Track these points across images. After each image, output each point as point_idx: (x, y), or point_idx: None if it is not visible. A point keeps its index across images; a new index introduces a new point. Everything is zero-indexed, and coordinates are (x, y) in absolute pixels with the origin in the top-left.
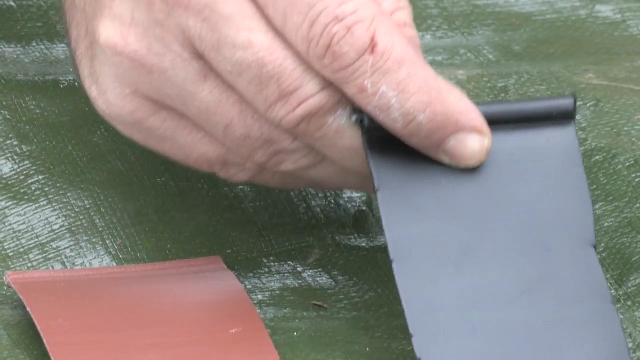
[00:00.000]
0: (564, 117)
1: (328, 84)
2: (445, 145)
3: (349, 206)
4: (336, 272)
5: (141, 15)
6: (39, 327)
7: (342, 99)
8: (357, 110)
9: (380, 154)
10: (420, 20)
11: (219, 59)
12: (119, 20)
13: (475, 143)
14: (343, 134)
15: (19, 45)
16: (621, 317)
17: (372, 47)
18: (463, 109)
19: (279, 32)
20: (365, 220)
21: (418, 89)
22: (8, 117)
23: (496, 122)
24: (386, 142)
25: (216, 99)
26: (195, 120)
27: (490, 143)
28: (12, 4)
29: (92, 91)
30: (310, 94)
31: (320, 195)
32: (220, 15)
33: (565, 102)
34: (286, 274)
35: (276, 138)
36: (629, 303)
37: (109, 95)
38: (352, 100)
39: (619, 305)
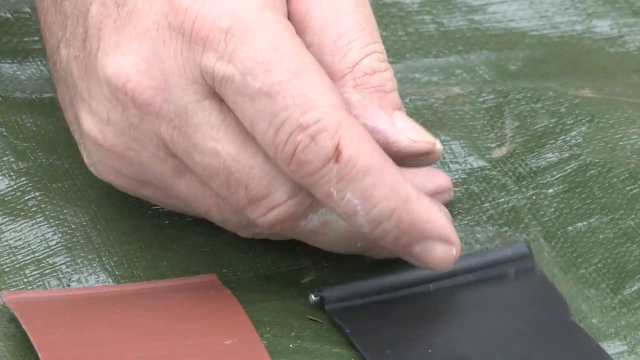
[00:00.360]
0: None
1: (298, 190)
2: (412, 249)
3: None
4: None
5: (116, 117)
6: (34, 343)
7: (312, 204)
8: (315, 291)
9: (356, 326)
10: (417, 37)
11: (190, 162)
12: (97, 117)
13: (441, 252)
14: (318, 234)
15: (15, 61)
16: (618, 323)
17: (337, 155)
18: (430, 217)
19: (249, 136)
20: None
21: (384, 197)
22: (5, 134)
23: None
24: (353, 313)
25: (193, 192)
26: (179, 201)
27: (458, 252)
28: (9, 16)
29: (84, 156)
30: (279, 202)
31: None
32: (188, 125)
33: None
34: (282, 293)
35: (255, 226)
36: (624, 310)
37: (98, 168)
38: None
39: (614, 313)
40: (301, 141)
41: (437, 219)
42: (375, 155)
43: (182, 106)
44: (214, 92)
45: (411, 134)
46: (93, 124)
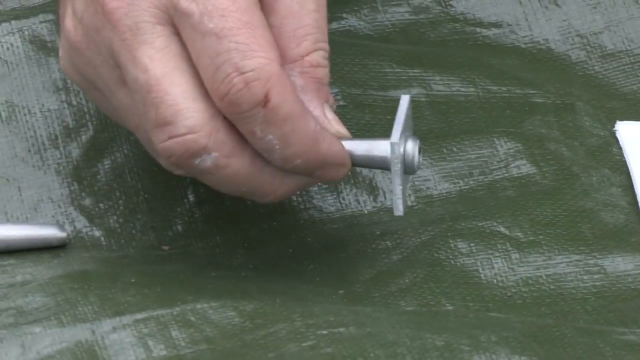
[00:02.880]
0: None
1: (199, 128)
2: (314, 173)
3: None
4: None
5: (88, 17)
6: None
7: (207, 146)
8: None
9: None
10: None
11: (126, 73)
12: (75, 15)
13: (335, 172)
14: (208, 174)
15: None
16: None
17: (265, 102)
18: (332, 152)
19: (180, 69)
20: None
21: (298, 140)
22: None
23: None
24: None
25: (128, 104)
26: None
27: (348, 169)
28: None
29: (59, 50)
30: (179, 132)
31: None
32: (136, 40)
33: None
34: None
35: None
36: None
37: (64, 62)
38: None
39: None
40: (236, 84)
41: (337, 151)
42: (296, 106)
43: (138, 22)
44: (171, 21)
45: (336, 125)
46: (70, 20)
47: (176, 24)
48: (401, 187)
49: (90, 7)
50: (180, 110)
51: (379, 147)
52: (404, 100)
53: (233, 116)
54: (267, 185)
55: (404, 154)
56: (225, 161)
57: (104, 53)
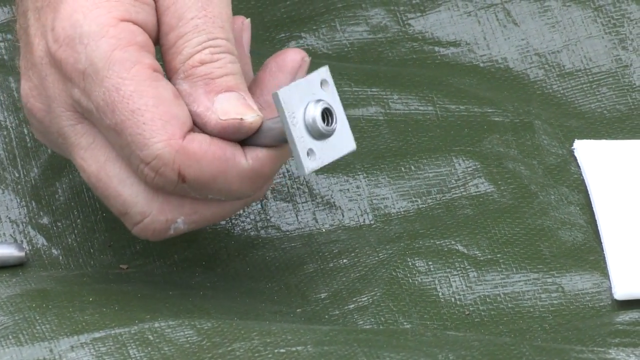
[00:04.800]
0: None
1: (150, 210)
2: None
3: None
4: None
5: (33, 122)
6: None
7: (168, 220)
8: None
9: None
10: None
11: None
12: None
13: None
14: (193, 227)
15: None
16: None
17: (182, 179)
18: (276, 169)
19: (111, 160)
20: None
21: (237, 186)
22: None
23: None
24: None
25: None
26: None
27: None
28: None
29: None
30: (137, 220)
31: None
32: (67, 144)
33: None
34: None
35: None
36: None
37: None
38: None
39: None
40: (147, 174)
41: (277, 165)
42: (215, 164)
43: (60, 128)
44: (87, 117)
45: (221, 114)
46: (29, 124)
47: (89, 119)
48: (298, 145)
49: (30, 116)
50: (125, 200)
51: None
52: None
53: (168, 192)
54: (248, 200)
55: (304, 115)
56: (195, 216)
57: (60, 151)
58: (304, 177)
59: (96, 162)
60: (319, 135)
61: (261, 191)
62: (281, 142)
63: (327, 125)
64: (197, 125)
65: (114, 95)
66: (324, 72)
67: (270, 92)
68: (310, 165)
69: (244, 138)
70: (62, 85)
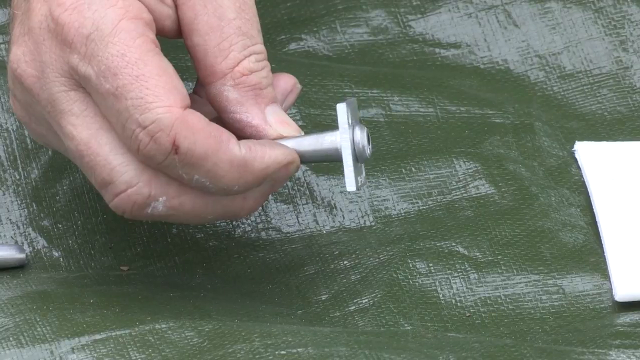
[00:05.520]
0: None
1: (137, 181)
2: (262, 183)
3: None
4: None
5: (18, 94)
6: None
7: (151, 195)
8: None
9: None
10: None
11: (63, 142)
12: (11, 91)
13: (285, 173)
14: (169, 216)
15: None
16: None
17: (175, 149)
18: (271, 162)
19: (103, 128)
20: None
21: (225, 172)
22: None
23: None
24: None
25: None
26: None
27: (297, 166)
28: None
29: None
30: (120, 190)
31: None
32: (56, 110)
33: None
34: None
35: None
36: None
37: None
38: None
39: None
40: (142, 139)
41: (277, 156)
42: (210, 142)
43: (52, 94)
44: (80, 84)
45: (279, 128)
46: (11, 96)
47: (84, 87)
48: (353, 170)
49: (17, 85)
50: (114, 168)
51: (327, 138)
52: (348, 101)
53: (154, 166)
54: (231, 207)
55: (352, 140)
56: (176, 201)
57: (42, 122)
58: (343, 192)
59: (87, 130)
60: (360, 158)
61: (246, 203)
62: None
63: (370, 150)
64: (247, 136)
65: (118, 60)
66: (353, 101)
67: None
68: (359, 183)
69: None
70: (59, 51)
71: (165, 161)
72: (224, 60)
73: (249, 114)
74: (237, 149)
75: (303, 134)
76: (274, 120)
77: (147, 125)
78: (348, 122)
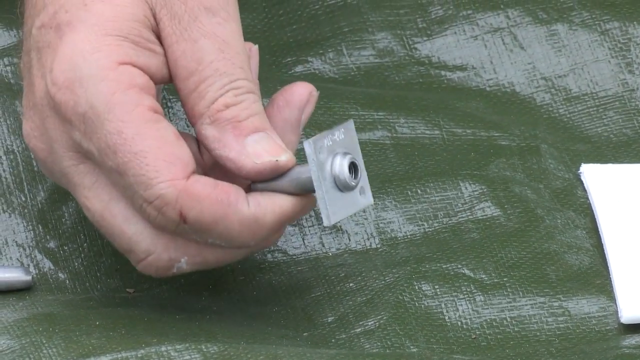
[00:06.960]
0: None
1: (154, 248)
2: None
3: None
4: None
5: (37, 159)
6: None
7: (171, 258)
8: None
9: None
10: None
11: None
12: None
13: (300, 212)
14: (197, 267)
15: None
16: None
17: (183, 220)
18: (277, 220)
19: (115, 199)
20: None
21: (238, 232)
22: None
23: None
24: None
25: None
26: None
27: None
28: None
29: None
30: (141, 258)
31: None
32: (70, 184)
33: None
34: None
35: None
36: None
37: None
38: None
39: None
40: (150, 213)
41: (281, 216)
42: (217, 208)
43: (63, 168)
44: (89, 157)
45: (255, 158)
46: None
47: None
48: (326, 196)
49: (33, 154)
50: (130, 238)
51: (303, 174)
52: (347, 123)
53: (169, 233)
54: (255, 249)
55: (331, 171)
56: (198, 259)
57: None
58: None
59: (100, 202)
60: (344, 188)
61: (266, 242)
62: (304, 190)
63: (354, 178)
64: (230, 170)
65: (116, 138)
66: (349, 125)
67: (278, 128)
68: (333, 218)
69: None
70: (62, 127)
71: (177, 229)
72: (201, 101)
73: (226, 147)
74: (246, 208)
75: (295, 161)
76: (257, 150)
77: (152, 200)
78: (314, 158)
